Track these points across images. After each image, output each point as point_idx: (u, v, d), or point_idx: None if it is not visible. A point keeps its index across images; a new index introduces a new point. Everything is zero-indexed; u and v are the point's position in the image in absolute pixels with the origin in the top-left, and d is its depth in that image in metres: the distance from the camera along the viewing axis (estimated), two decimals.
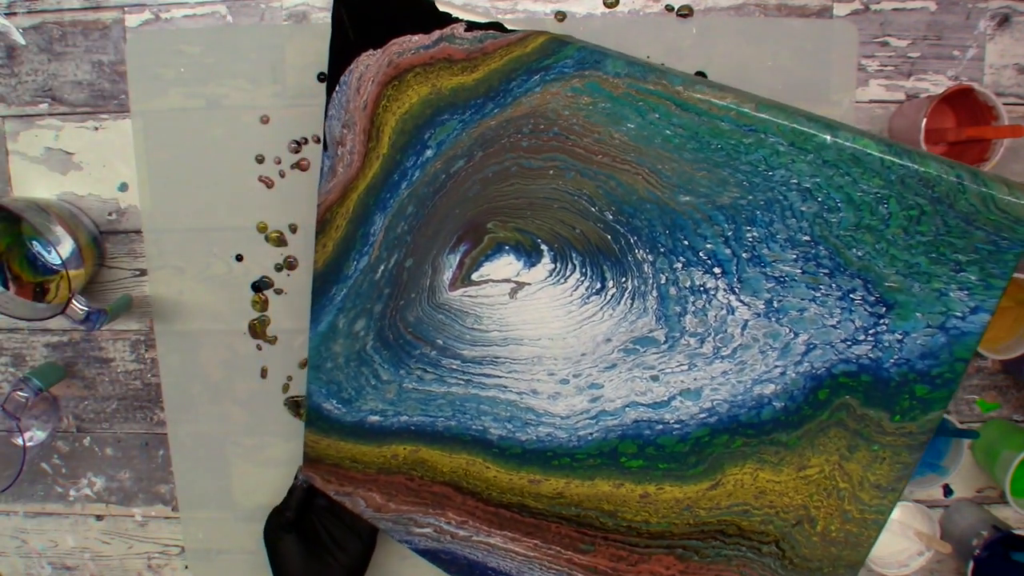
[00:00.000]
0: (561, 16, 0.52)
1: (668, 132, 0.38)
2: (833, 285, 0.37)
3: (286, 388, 0.58)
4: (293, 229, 0.56)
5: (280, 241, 0.56)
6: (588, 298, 0.43)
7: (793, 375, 0.39)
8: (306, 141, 0.55)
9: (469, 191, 0.44)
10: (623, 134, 0.39)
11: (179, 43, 0.54)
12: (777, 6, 0.52)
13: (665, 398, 0.42)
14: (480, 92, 0.42)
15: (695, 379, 0.41)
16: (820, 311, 0.38)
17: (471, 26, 0.41)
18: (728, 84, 0.51)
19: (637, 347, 0.42)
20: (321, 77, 0.54)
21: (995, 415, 0.55)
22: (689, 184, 0.39)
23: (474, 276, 0.45)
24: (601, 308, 0.42)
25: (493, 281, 0.45)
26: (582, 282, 0.43)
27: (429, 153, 0.44)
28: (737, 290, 0.39)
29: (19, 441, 0.56)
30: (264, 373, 0.58)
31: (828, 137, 0.35)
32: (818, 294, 0.38)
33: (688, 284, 0.40)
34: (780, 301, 0.38)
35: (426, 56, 0.43)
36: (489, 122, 0.42)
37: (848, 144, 0.35)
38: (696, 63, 0.52)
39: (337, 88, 0.45)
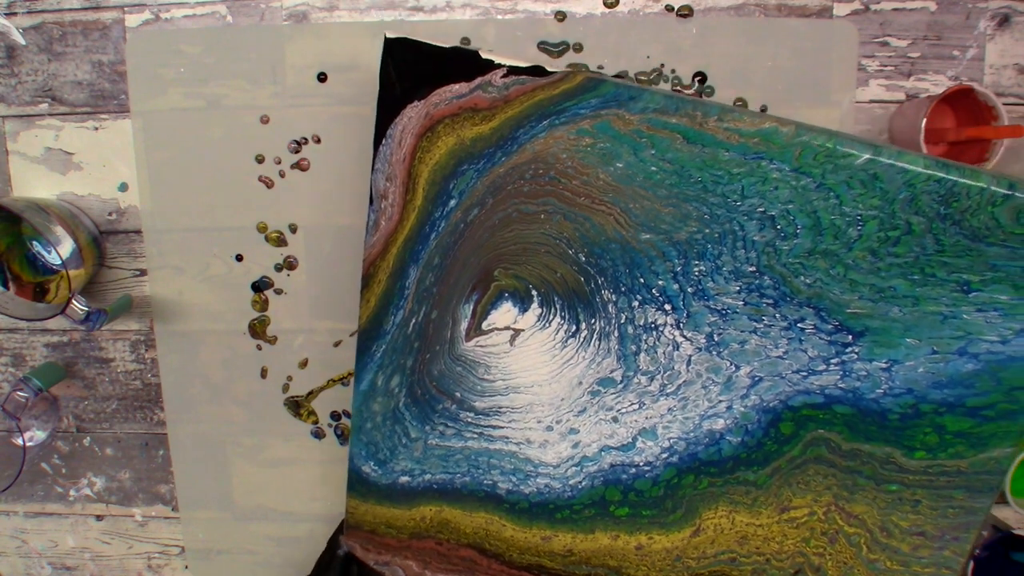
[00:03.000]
0: (561, 16, 0.52)
1: (653, 168, 0.38)
2: (777, 315, 0.37)
3: (286, 388, 0.58)
4: (293, 229, 0.56)
5: (280, 241, 0.56)
6: (567, 341, 0.43)
7: (742, 409, 0.38)
8: (306, 141, 0.55)
9: (481, 238, 0.44)
10: (608, 174, 0.39)
11: (179, 43, 0.54)
12: (777, 6, 0.52)
13: (629, 440, 0.42)
14: (493, 141, 0.42)
15: (647, 417, 0.41)
16: (762, 342, 0.37)
17: (511, 71, 0.41)
18: (728, 84, 0.51)
19: (600, 388, 0.42)
20: (321, 77, 0.54)
21: None
22: (653, 221, 0.39)
23: (483, 325, 0.45)
24: (576, 351, 0.43)
25: (497, 329, 0.45)
26: (562, 325, 0.43)
27: (452, 203, 0.44)
28: (682, 325, 0.39)
29: (19, 441, 0.56)
30: (264, 373, 0.58)
31: (867, 155, 0.33)
32: (760, 325, 0.37)
33: (642, 322, 0.40)
34: (720, 334, 0.38)
35: (456, 106, 0.43)
36: (498, 170, 0.42)
37: (888, 161, 0.33)
38: (696, 63, 0.52)
39: (384, 141, 0.45)
